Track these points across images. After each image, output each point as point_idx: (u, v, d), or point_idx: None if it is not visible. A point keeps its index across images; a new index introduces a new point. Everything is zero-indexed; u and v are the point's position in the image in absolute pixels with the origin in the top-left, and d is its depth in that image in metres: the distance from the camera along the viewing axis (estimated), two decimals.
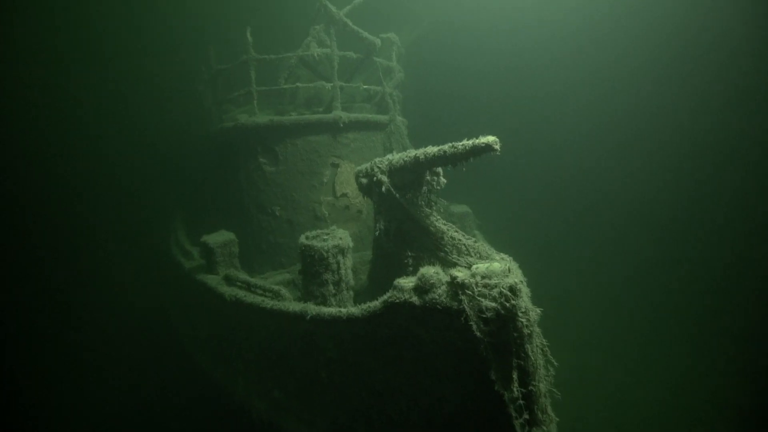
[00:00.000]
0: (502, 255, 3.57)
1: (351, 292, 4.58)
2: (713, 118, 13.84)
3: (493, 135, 3.31)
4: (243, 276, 5.04)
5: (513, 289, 2.68)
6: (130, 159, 11.19)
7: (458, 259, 3.72)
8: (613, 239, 13.04)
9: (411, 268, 4.63)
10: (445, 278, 3.02)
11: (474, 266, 3.00)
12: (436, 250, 3.94)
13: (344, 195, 7.23)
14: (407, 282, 3.19)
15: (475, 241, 3.88)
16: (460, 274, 2.96)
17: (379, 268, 4.84)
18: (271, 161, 6.98)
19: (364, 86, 7.41)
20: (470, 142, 3.33)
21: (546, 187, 13.88)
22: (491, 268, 2.89)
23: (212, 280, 5.41)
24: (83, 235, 10.88)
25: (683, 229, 12.93)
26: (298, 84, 6.95)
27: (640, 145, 14.27)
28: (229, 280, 5.17)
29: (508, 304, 2.66)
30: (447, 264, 3.84)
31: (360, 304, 5.22)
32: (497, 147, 3.19)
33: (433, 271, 3.08)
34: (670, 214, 13.29)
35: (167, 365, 7.36)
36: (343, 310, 3.65)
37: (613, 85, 14.30)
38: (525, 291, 2.80)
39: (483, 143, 3.21)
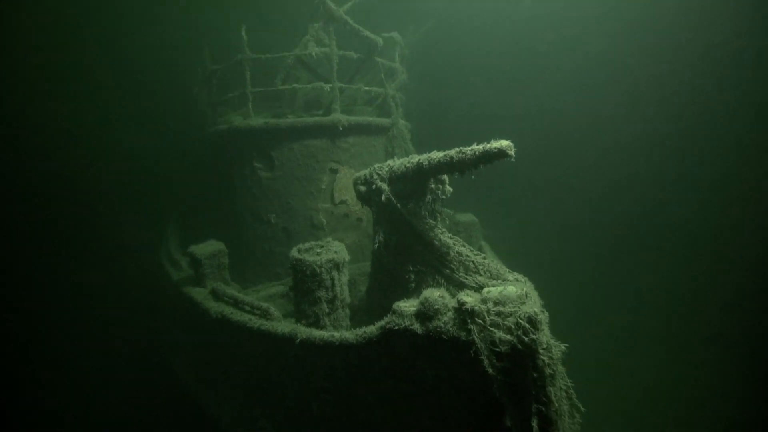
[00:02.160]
0: (516, 275, 3.16)
1: (347, 311, 4.18)
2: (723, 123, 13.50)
3: (503, 139, 2.90)
4: (230, 291, 4.66)
5: (532, 321, 2.27)
6: (123, 162, 10.89)
7: (466, 278, 3.32)
8: (625, 249, 12.61)
9: (413, 285, 4.23)
10: (452, 303, 2.62)
11: (485, 290, 2.60)
12: (440, 266, 3.53)
13: (343, 202, 6.85)
14: (408, 306, 2.79)
15: (484, 257, 3.47)
16: (469, 299, 2.55)
17: (379, 283, 4.44)
18: (267, 166, 6.63)
19: (365, 88, 7.04)
20: (480, 147, 2.93)
21: (557, 194, 13.42)
22: (505, 293, 2.49)
23: (199, 293, 5.03)
24: (74, 238, 10.57)
25: (694, 234, 12.52)
26: (295, 85, 6.58)
27: (654, 149, 13.83)
28: (216, 295, 4.79)
29: (526, 339, 2.25)
30: (453, 282, 3.43)
31: (357, 321, 4.85)
32: (511, 153, 2.79)
33: (437, 294, 2.67)
34: (682, 221, 12.88)
35: (152, 382, 6.99)
36: (335, 334, 3.25)
37: (630, 88, 13.88)
38: (545, 320, 2.38)
39: (495, 148, 2.81)
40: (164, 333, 6.84)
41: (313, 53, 6.55)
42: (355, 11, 6.88)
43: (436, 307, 2.62)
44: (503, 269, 3.27)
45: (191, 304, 4.97)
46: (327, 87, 6.50)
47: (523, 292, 2.50)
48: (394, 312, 2.82)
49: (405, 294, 4.35)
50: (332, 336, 3.24)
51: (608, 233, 13.13)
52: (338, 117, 6.46)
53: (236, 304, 4.44)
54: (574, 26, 13.89)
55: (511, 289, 2.51)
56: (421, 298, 2.70)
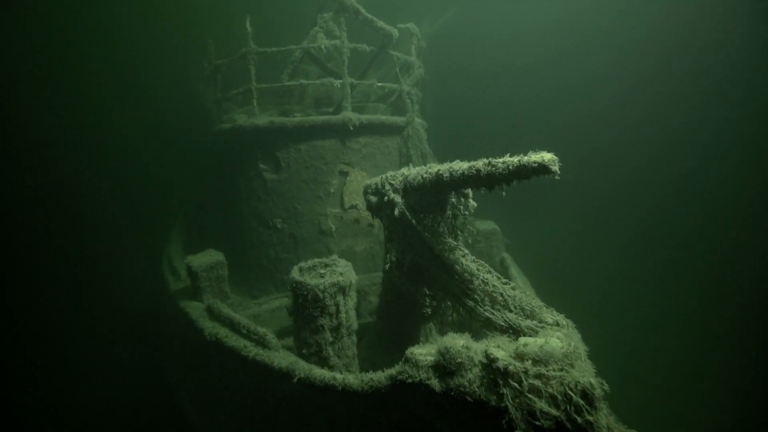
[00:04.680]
0: (556, 314, 2.63)
1: (354, 338, 3.71)
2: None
3: (544, 151, 2.35)
4: (227, 310, 4.24)
5: (588, 396, 1.75)
6: (127, 161, 10.63)
7: (493, 314, 2.80)
8: (640, 252, 11.94)
9: (429, 310, 3.74)
10: (479, 357, 2.11)
11: (521, 341, 2.09)
12: (462, 296, 3.02)
13: (353, 207, 6.38)
14: (424, 355, 2.30)
15: (514, 288, 2.94)
16: (501, 353, 2.04)
17: (390, 306, 3.97)
18: (273, 168, 6.21)
19: (379, 84, 6.52)
20: (516, 159, 2.39)
21: (586, 198, 12.64)
22: (547, 349, 1.97)
23: (195, 309, 4.64)
24: (83, 237, 10.40)
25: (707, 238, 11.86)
26: (302, 81, 6.11)
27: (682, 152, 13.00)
28: (212, 313, 4.38)
29: (579, 419, 1.74)
30: (477, 317, 2.92)
31: (366, 344, 4.39)
32: (556, 168, 2.25)
33: (461, 344, 2.17)
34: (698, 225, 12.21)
35: (149, 391, 6.75)
36: (338, 376, 2.78)
37: (668, 81, 13.01)
38: (600, 388, 1.86)
39: (535, 163, 2.28)
40: (163, 343, 6.51)
41: (323, 46, 6.07)
42: (368, 0, 6.34)
43: (459, 360, 2.12)
44: (538, 305, 2.74)
45: (186, 321, 4.59)
46: (337, 82, 6.01)
47: (571, 348, 1.98)
48: (407, 360, 2.33)
49: (420, 319, 3.87)
50: (334, 378, 2.78)
51: (630, 236, 12.47)
52: (349, 116, 5.97)
53: (232, 325, 4.02)
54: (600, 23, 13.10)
55: (555, 344, 2.00)
56: (441, 346, 2.21)
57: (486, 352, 2.07)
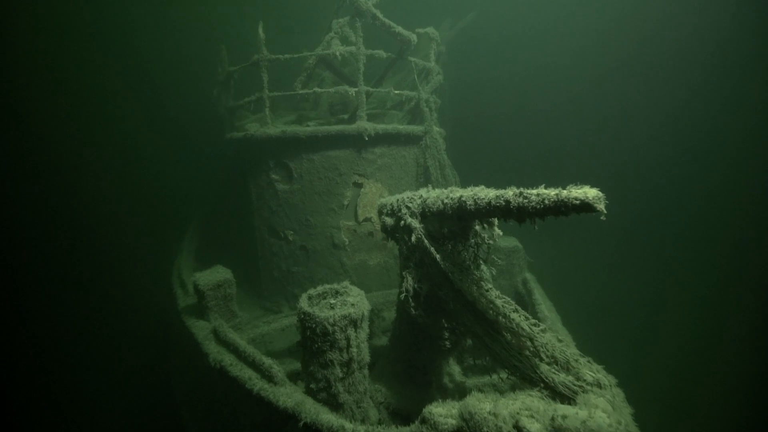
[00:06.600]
0: (595, 370, 2.30)
1: (366, 371, 3.45)
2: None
3: (587, 186, 2.03)
4: (232, 335, 4.03)
5: None
6: (145, 166, 10.61)
7: (521, 362, 2.49)
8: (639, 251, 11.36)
9: (448, 344, 3.45)
10: (508, 427, 1.82)
11: (558, 410, 1.78)
12: (486, 337, 2.72)
13: (368, 220, 6.14)
14: (444, 416, 2.01)
15: (544, 330, 2.63)
16: (534, 427, 1.75)
17: (405, 336, 3.68)
18: (285, 178, 6.01)
19: (396, 92, 6.24)
20: (553, 192, 2.08)
21: (617, 213, 12.12)
22: (592, 427, 1.66)
23: (201, 330, 4.44)
24: (97, 242, 10.43)
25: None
26: (316, 89, 5.87)
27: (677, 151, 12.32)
28: (218, 336, 4.18)
29: None
30: (501, 362, 2.61)
31: (378, 373, 4.12)
32: (601, 207, 1.94)
33: (487, 409, 1.88)
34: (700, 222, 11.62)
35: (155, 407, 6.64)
36: (348, 425, 2.52)
37: (702, 88, 12.39)
38: None
39: (576, 199, 1.96)
40: (172, 356, 6.37)
41: (338, 53, 5.81)
42: (385, 4, 6.06)
43: (485, 430, 1.83)
44: (574, 354, 2.42)
45: (192, 342, 4.40)
46: (352, 91, 5.75)
47: (621, 428, 1.66)
48: (424, 421, 2.05)
49: (437, 352, 3.58)
50: (343, 428, 2.51)
51: (628, 235, 11.94)
52: (364, 125, 5.71)
53: (238, 353, 3.81)
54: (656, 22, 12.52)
55: (601, 420, 1.68)
56: (464, 409, 1.92)
57: (517, 423, 1.78)
